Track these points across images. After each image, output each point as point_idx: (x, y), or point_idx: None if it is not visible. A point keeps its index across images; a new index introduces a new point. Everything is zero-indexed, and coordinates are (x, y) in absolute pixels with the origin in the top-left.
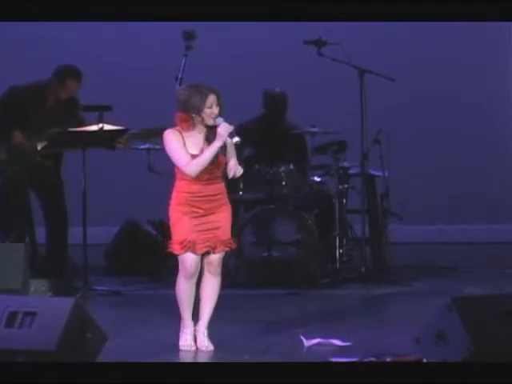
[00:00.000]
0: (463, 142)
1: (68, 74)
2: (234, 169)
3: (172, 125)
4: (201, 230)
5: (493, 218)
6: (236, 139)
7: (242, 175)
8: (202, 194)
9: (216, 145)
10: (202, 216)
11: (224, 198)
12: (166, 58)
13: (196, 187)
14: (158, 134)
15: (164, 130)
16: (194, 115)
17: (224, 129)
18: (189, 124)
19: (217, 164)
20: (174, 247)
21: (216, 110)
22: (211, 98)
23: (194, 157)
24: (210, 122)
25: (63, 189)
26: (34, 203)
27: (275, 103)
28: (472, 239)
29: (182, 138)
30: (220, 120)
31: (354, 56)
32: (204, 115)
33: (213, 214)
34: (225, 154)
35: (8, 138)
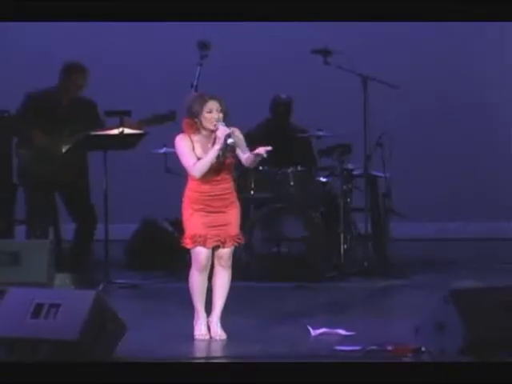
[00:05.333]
0: (462, 141)
1: (71, 69)
2: (251, 158)
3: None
4: (211, 226)
5: (491, 215)
6: (230, 140)
7: (253, 176)
8: (212, 193)
9: (215, 148)
10: (213, 213)
11: (233, 197)
12: (183, 64)
13: (207, 187)
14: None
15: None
16: (195, 120)
17: (221, 132)
18: (193, 128)
19: (226, 165)
20: (186, 241)
21: (216, 115)
22: (211, 104)
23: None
24: (210, 127)
25: (89, 190)
26: (60, 203)
27: (279, 109)
28: (470, 236)
29: (191, 142)
30: (219, 124)
31: (358, 61)
32: (203, 119)
33: (223, 211)
34: (232, 156)
35: (31, 139)
